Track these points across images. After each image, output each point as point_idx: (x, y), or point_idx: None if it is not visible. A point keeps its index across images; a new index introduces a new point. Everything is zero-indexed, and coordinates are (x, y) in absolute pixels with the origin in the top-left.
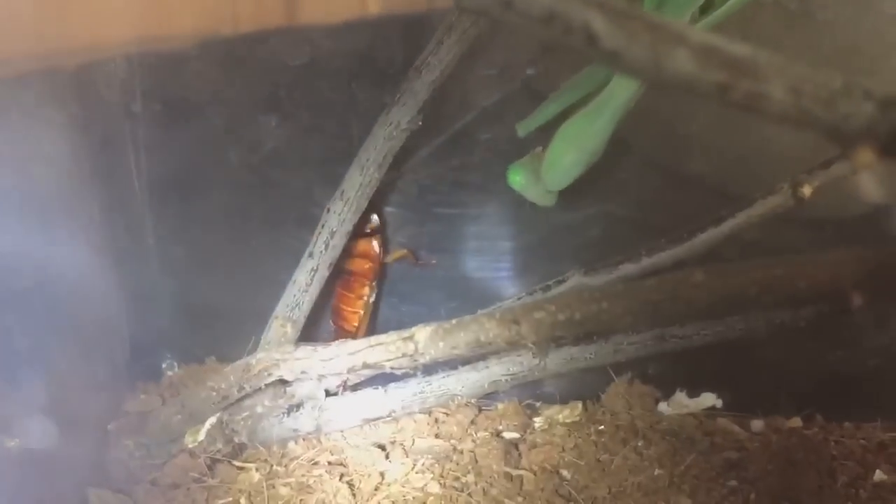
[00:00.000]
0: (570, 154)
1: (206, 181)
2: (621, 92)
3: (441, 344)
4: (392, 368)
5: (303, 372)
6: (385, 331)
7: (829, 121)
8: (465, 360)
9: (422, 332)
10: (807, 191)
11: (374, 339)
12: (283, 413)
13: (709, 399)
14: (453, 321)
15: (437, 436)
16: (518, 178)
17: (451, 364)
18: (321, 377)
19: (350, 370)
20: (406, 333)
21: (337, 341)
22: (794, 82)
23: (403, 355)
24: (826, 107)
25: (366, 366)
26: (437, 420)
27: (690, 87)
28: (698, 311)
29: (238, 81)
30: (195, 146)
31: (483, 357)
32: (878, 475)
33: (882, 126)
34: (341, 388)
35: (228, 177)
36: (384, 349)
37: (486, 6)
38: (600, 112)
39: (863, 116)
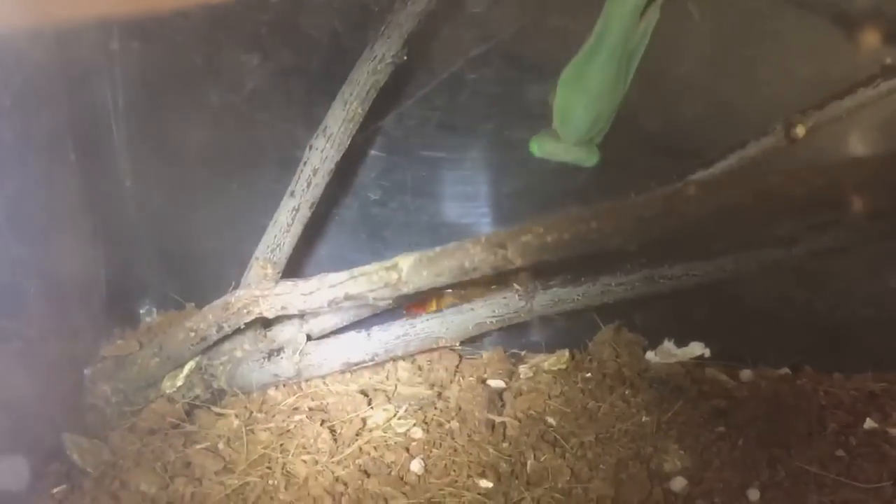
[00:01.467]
0: (575, 99)
1: (185, 122)
2: (614, 24)
3: (425, 272)
4: (375, 300)
5: (283, 308)
6: None
7: None
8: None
9: (405, 261)
10: (800, 131)
11: (356, 271)
12: (264, 358)
13: (697, 348)
14: (437, 249)
15: (421, 383)
16: (537, 147)
17: None
18: (303, 315)
19: (332, 303)
20: (389, 263)
21: (318, 275)
22: None
23: (386, 285)
24: None
25: (348, 297)
26: (420, 367)
27: None
28: (691, 227)
29: (219, 19)
30: (174, 85)
31: (469, 299)
32: (869, 423)
33: None
34: None
35: (209, 117)
36: (367, 279)
37: None
38: (596, 49)
39: None
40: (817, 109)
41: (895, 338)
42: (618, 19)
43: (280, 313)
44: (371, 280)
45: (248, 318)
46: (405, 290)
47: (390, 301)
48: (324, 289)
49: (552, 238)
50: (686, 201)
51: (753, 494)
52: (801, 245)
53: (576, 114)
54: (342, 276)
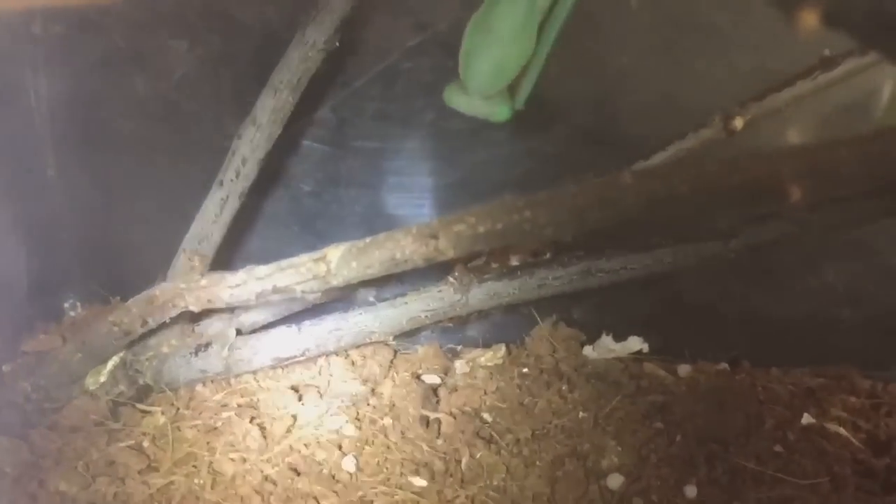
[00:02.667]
0: (479, 44)
1: (111, 109)
2: None
3: (354, 263)
4: (303, 293)
5: (209, 301)
6: None
7: None
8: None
9: (334, 252)
10: (738, 123)
11: (284, 263)
12: (191, 353)
13: (635, 343)
14: (367, 239)
15: (354, 378)
16: (447, 97)
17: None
18: (233, 309)
19: (259, 296)
20: (318, 254)
21: (246, 267)
22: None
23: (315, 277)
24: None
25: (276, 290)
26: (353, 363)
27: None
28: (627, 217)
29: (145, 3)
30: (99, 72)
31: (402, 293)
32: (806, 418)
33: None
34: None
35: (135, 105)
36: (295, 272)
37: None
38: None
39: None
40: (756, 101)
41: (832, 332)
42: None
43: (207, 307)
44: (299, 272)
45: (174, 312)
46: (334, 282)
47: (319, 294)
48: (251, 281)
49: (485, 228)
50: (622, 190)
51: (691, 491)
52: (740, 238)
53: (479, 60)
54: (270, 268)
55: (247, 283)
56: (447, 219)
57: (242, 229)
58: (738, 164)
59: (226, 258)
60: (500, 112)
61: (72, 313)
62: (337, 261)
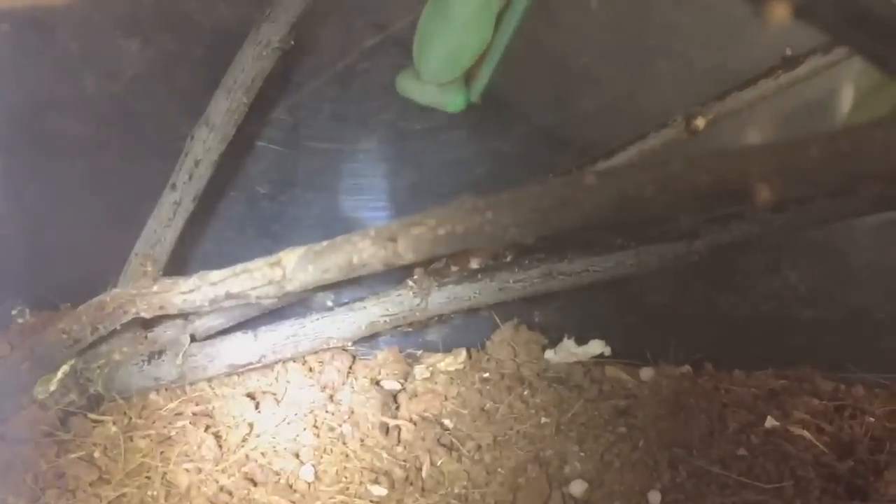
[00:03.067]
0: (433, 31)
1: (60, 111)
2: None
3: (311, 268)
4: (258, 298)
5: (161, 307)
6: None
7: None
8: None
9: (289, 257)
10: (700, 123)
11: (238, 267)
12: (144, 360)
13: (597, 346)
14: (324, 243)
15: (311, 385)
16: (400, 85)
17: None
18: (187, 315)
19: (212, 302)
20: (273, 259)
21: (199, 273)
22: None
23: (270, 282)
24: None
25: (229, 296)
26: (311, 369)
27: None
28: (591, 218)
29: (95, 2)
30: (48, 73)
31: (361, 298)
32: (770, 422)
33: None
34: None
35: (85, 106)
36: (249, 277)
37: None
38: None
39: None
40: (718, 101)
41: (795, 334)
42: None
43: (159, 313)
44: (253, 277)
45: (125, 319)
46: (290, 287)
47: (275, 300)
48: (204, 287)
49: (445, 231)
50: (585, 191)
51: (654, 497)
52: (702, 240)
53: (434, 46)
54: (223, 273)
55: (200, 288)
56: (406, 221)
57: (197, 232)
58: (705, 164)
59: (180, 262)
60: (454, 102)
61: (20, 320)
62: (293, 265)
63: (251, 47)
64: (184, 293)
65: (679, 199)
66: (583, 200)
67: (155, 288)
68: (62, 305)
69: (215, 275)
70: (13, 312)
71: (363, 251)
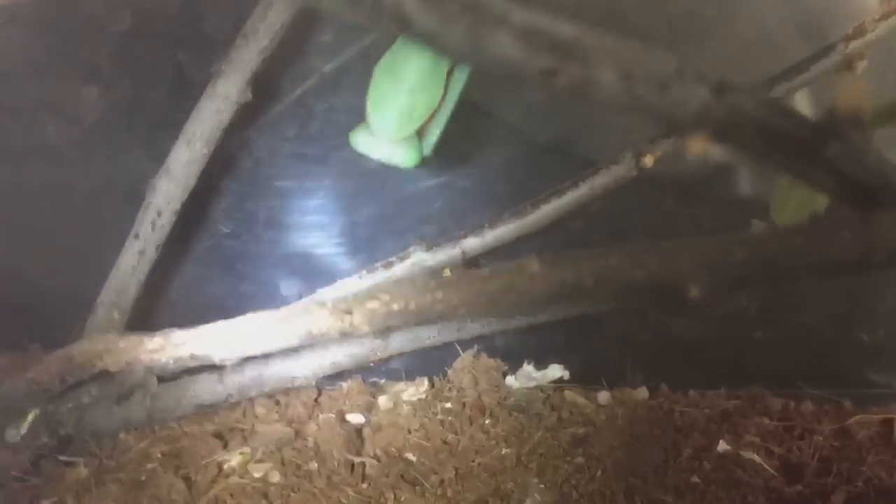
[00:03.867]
0: (386, 87)
1: (24, 155)
2: None
3: (271, 336)
4: (221, 361)
5: (128, 363)
6: (222, 313)
7: (662, 106)
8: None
9: (249, 324)
10: (649, 161)
11: (202, 329)
12: (113, 402)
13: (556, 371)
14: (283, 310)
15: (278, 420)
16: (354, 140)
17: None
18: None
19: (177, 362)
20: (233, 325)
21: (163, 331)
22: (625, 66)
23: (232, 348)
24: (659, 91)
25: (193, 357)
26: (278, 402)
27: (513, 71)
28: (535, 303)
29: (54, 49)
30: (8, 118)
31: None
32: (722, 445)
33: (716, 111)
34: None
35: (48, 151)
36: (212, 340)
37: None
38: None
39: (697, 101)
40: (666, 138)
41: (746, 353)
42: None
43: (125, 368)
44: (216, 342)
45: (93, 371)
46: (250, 353)
47: (236, 361)
48: (169, 347)
49: (398, 306)
50: (529, 278)
51: None
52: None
53: (386, 106)
54: (187, 334)
55: (164, 348)
56: (361, 295)
57: (163, 271)
58: (640, 259)
59: (148, 299)
60: (407, 157)
61: None
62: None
63: (209, 101)
64: (149, 352)
65: (617, 290)
66: (528, 288)
67: (121, 344)
68: (31, 346)
69: (179, 336)
70: None
71: (321, 322)
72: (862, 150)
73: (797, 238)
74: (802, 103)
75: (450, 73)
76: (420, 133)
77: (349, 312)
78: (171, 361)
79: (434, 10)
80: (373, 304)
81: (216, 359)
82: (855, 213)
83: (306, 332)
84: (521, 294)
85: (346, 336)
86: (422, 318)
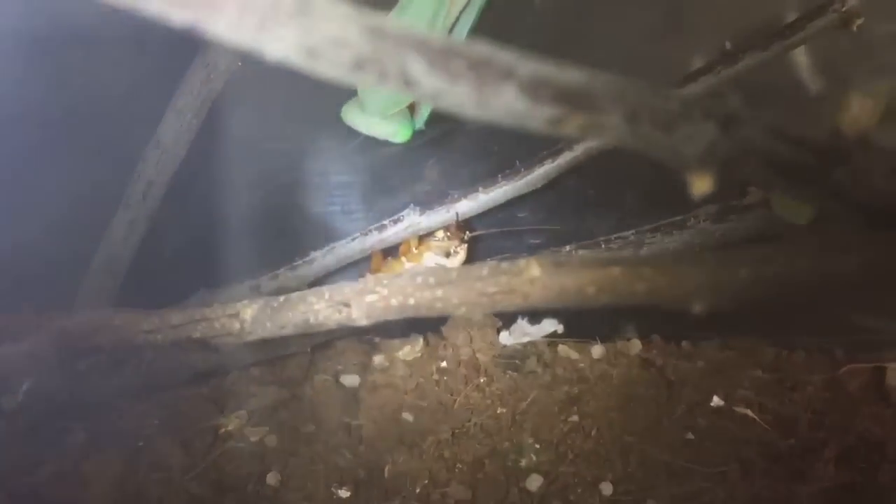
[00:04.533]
0: None
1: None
2: None
3: (269, 324)
4: (217, 346)
5: (122, 341)
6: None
7: (669, 144)
8: None
9: (247, 311)
10: None
11: (198, 314)
12: (109, 369)
13: (550, 325)
14: (281, 299)
15: (273, 382)
16: (345, 115)
17: None
18: None
19: (173, 344)
20: (232, 310)
21: (160, 310)
22: (631, 108)
23: (229, 333)
24: (666, 130)
25: (189, 342)
26: (273, 364)
27: (520, 122)
28: (536, 307)
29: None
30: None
31: None
32: (716, 400)
33: (723, 146)
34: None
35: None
36: (209, 325)
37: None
38: (404, 8)
39: (704, 137)
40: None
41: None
42: None
43: (119, 346)
44: (213, 327)
45: (86, 346)
46: (248, 339)
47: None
48: (165, 329)
49: (397, 301)
50: (530, 283)
51: (606, 489)
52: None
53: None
54: (184, 316)
55: (161, 329)
56: (360, 286)
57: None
58: (643, 273)
59: (143, 274)
60: (399, 132)
61: None
62: (251, 319)
63: (198, 71)
64: (145, 332)
65: (618, 300)
66: (528, 292)
67: (117, 322)
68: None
69: (176, 317)
70: None
71: (319, 312)
72: (868, 173)
73: (801, 259)
74: (800, 61)
75: None
76: (411, 107)
77: (347, 305)
78: (166, 343)
79: (440, 69)
80: (371, 298)
81: (213, 344)
82: (861, 234)
83: (304, 321)
84: (521, 297)
85: (343, 326)
86: (420, 314)
